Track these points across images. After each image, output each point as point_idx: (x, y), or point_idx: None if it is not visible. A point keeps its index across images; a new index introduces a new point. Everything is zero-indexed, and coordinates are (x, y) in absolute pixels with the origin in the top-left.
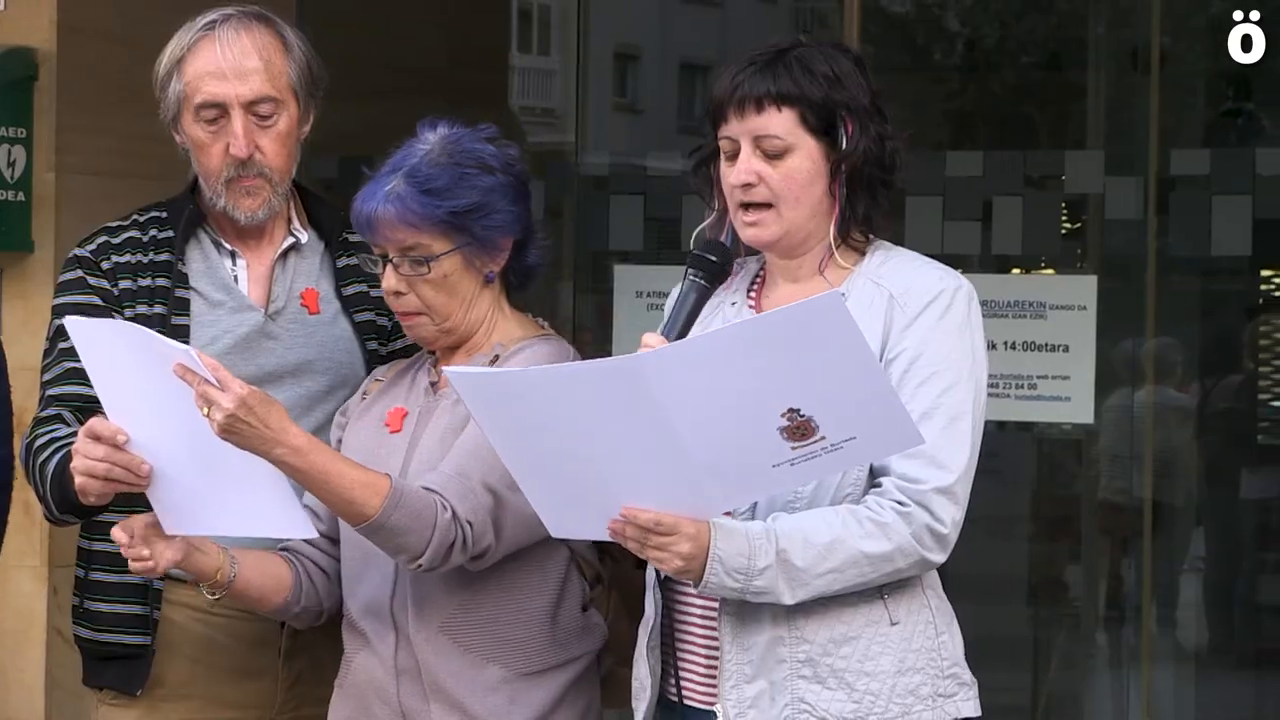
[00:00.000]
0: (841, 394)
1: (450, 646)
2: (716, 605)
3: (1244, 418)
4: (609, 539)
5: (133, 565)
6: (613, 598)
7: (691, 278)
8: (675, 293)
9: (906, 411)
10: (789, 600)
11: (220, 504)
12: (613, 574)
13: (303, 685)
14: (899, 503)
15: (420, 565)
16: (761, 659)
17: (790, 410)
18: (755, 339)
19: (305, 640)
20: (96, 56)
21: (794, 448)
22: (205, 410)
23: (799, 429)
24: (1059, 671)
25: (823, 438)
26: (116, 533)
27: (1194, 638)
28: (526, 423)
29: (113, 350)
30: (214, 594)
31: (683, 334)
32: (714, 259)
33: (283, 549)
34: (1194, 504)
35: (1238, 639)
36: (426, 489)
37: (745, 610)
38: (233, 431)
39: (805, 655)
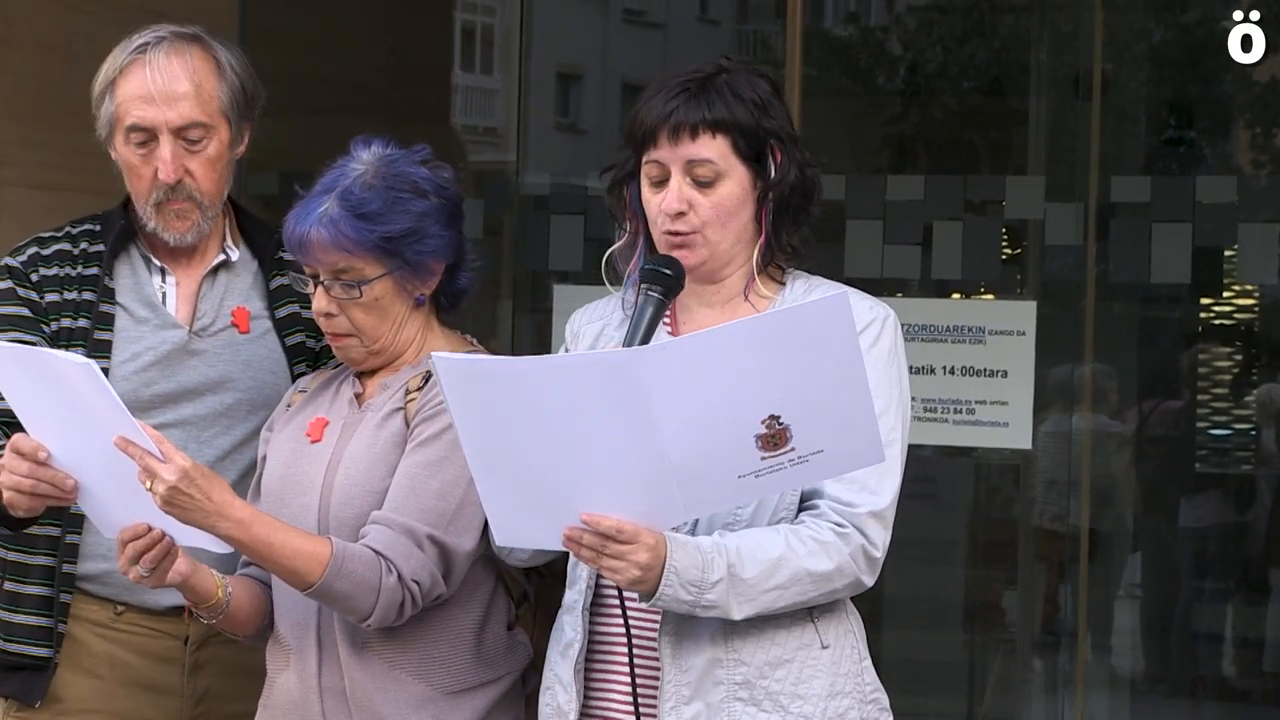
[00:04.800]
0: (823, 402)
1: (376, 663)
2: (648, 628)
3: (1182, 445)
4: (560, 548)
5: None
6: (539, 617)
7: (647, 292)
8: (577, 317)
9: (877, 426)
10: (736, 615)
11: (146, 515)
12: (539, 593)
13: (209, 702)
14: (837, 524)
15: (369, 624)
16: (699, 680)
17: (771, 417)
18: (756, 338)
19: (210, 656)
20: (37, 70)
21: (764, 458)
22: (148, 484)
23: (774, 438)
24: (995, 697)
25: (792, 449)
26: (127, 533)
27: (1130, 664)
28: (502, 414)
29: (23, 371)
30: (212, 618)
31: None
32: (669, 273)
33: (246, 572)
34: (1130, 531)
35: (1173, 666)
36: (374, 550)
37: (684, 631)
38: (174, 504)
39: (742, 677)
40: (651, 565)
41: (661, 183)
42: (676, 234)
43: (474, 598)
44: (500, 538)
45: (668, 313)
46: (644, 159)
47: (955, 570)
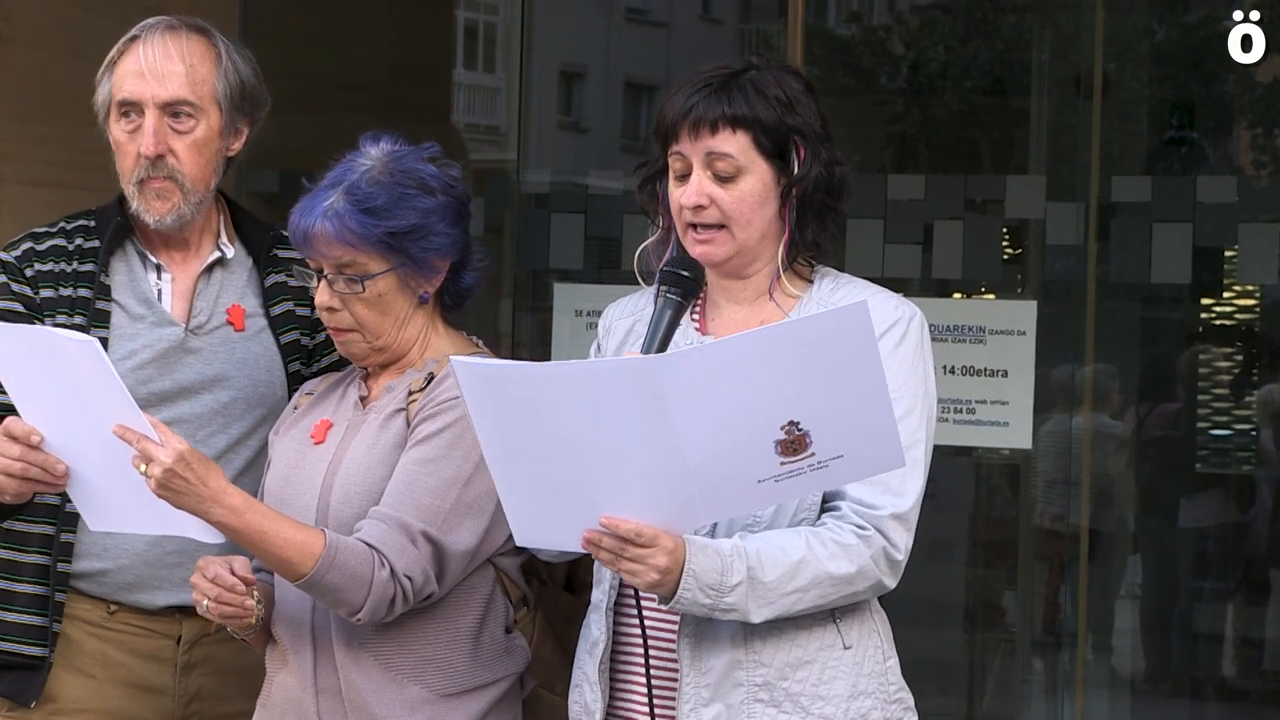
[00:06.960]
0: (842, 409)
1: (372, 664)
2: (668, 628)
3: (1182, 445)
4: (580, 550)
5: (226, 612)
6: (538, 621)
7: (666, 294)
8: (610, 313)
9: (898, 432)
10: (756, 619)
11: (137, 503)
12: (538, 597)
13: (201, 702)
14: (858, 527)
15: (360, 619)
16: (719, 682)
17: (790, 423)
18: (775, 345)
19: (202, 656)
20: (37, 67)
21: (783, 463)
22: (143, 467)
23: (793, 443)
24: (994, 697)
25: (812, 454)
26: (224, 575)
27: (1130, 665)
28: (521, 418)
29: (21, 353)
30: (241, 637)
31: (661, 351)
32: (687, 275)
33: (261, 578)
34: (1131, 531)
35: (1173, 666)
36: (367, 544)
37: (703, 633)
38: (169, 488)
39: (762, 679)
40: (670, 569)
41: (684, 177)
42: (699, 228)
43: (471, 600)
44: (520, 539)
45: (697, 310)
46: (670, 153)
47: (955, 570)
